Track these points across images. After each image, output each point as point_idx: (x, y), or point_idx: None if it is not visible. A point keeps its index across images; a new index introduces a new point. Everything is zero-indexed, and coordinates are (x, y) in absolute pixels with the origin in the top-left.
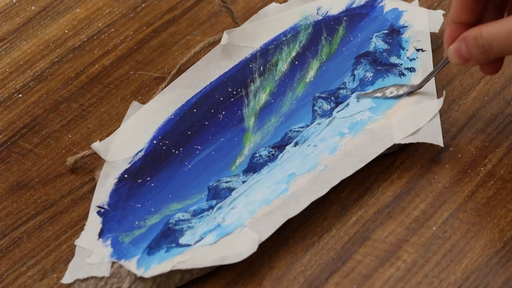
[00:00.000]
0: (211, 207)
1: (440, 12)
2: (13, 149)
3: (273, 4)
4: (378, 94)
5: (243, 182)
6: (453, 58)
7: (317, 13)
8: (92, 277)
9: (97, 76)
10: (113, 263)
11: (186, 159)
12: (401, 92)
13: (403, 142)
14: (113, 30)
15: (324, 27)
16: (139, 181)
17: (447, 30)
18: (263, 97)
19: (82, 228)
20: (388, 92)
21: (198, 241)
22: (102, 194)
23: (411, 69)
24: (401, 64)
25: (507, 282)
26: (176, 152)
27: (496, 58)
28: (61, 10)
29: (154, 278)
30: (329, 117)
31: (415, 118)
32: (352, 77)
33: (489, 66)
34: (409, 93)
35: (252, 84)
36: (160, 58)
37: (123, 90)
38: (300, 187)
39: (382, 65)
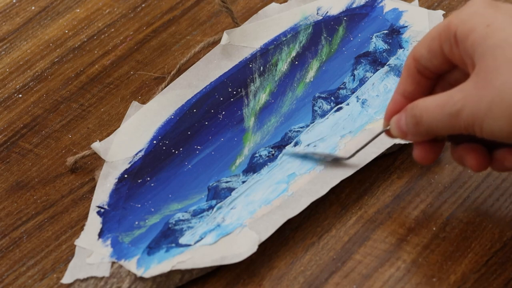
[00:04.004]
0: (211, 207)
1: (440, 12)
2: (13, 149)
3: (273, 4)
4: (306, 153)
5: (243, 182)
6: (394, 129)
7: (317, 13)
8: (92, 277)
9: (97, 76)
10: (113, 263)
11: (186, 159)
12: (328, 159)
13: (403, 142)
14: (113, 30)
15: (324, 27)
16: (139, 181)
17: (391, 102)
18: (263, 97)
19: (82, 228)
20: (316, 157)
21: (198, 241)
22: (102, 194)
23: None
24: (401, 65)
25: (507, 282)
26: (176, 152)
27: (427, 134)
28: (61, 10)
29: (154, 278)
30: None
31: None
32: (352, 77)
33: (423, 149)
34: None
35: (252, 84)
36: (160, 58)
37: (123, 90)
38: (300, 187)
39: (382, 65)
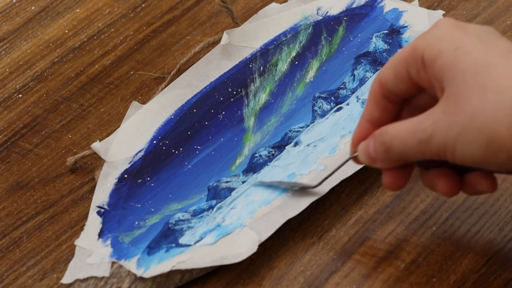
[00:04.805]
0: (211, 207)
1: (440, 12)
2: (13, 149)
3: (273, 4)
4: (272, 183)
5: (243, 182)
6: (362, 156)
7: (317, 13)
8: (92, 277)
9: (97, 76)
10: (113, 263)
11: (186, 159)
12: (295, 188)
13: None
14: (113, 30)
15: (324, 27)
16: (139, 181)
17: (357, 128)
18: (263, 97)
19: (82, 228)
20: (282, 186)
21: (198, 241)
22: (102, 194)
23: None
24: None
25: (507, 282)
26: (176, 152)
27: (397, 160)
28: (61, 10)
29: (154, 278)
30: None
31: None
32: (352, 77)
33: (392, 175)
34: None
35: (252, 84)
36: (160, 58)
37: (123, 90)
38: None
39: (382, 65)
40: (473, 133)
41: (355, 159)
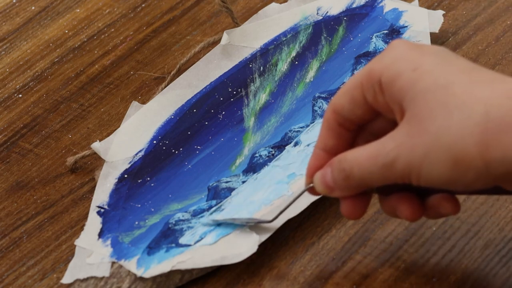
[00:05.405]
0: (211, 207)
1: (440, 12)
2: (13, 149)
3: (273, 4)
4: (226, 220)
5: (243, 182)
6: (318, 185)
7: (317, 13)
8: (92, 277)
9: (97, 76)
10: (113, 263)
11: (186, 159)
12: (251, 223)
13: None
14: (113, 30)
15: (324, 27)
16: (139, 181)
17: (312, 157)
18: (263, 97)
19: (82, 228)
20: (238, 222)
21: (198, 241)
22: (102, 194)
23: None
24: None
25: (507, 282)
26: (176, 152)
27: (357, 187)
28: (61, 10)
29: (154, 278)
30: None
31: None
32: None
33: (351, 204)
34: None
35: (252, 84)
36: (160, 58)
37: (123, 90)
38: (300, 187)
39: None
40: (439, 153)
41: (311, 190)
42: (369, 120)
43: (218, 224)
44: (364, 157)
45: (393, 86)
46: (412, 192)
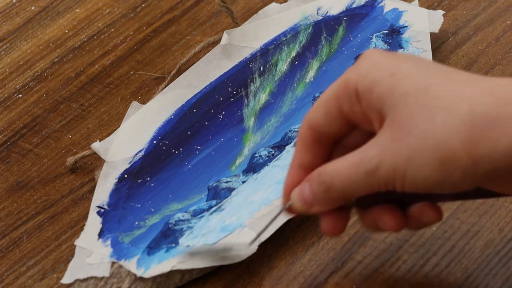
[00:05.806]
0: (211, 207)
1: (440, 12)
2: (13, 149)
3: (273, 4)
4: (200, 250)
5: (243, 182)
6: (297, 202)
7: (317, 13)
8: (92, 277)
9: (97, 76)
10: (113, 263)
11: (186, 159)
12: (228, 251)
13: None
14: (113, 30)
15: (324, 27)
16: (139, 181)
17: (288, 176)
18: (263, 97)
19: (82, 228)
20: (217, 246)
21: (198, 241)
22: (102, 194)
23: None
24: None
25: (507, 282)
26: (176, 152)
27: (339, 199)
28: (61, 10)
29: (154, 278)
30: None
31: None
32: None
33: (331, 219)
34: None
35: (252, 84)
36: (160, 58)
37: (123, 90)
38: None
39: None
40: (424, 154)
41: (289, 209)
42: (345, 134)
43: (194, 253)
44: (345, 166)
45: (371, 94)
46: (393, 203)
